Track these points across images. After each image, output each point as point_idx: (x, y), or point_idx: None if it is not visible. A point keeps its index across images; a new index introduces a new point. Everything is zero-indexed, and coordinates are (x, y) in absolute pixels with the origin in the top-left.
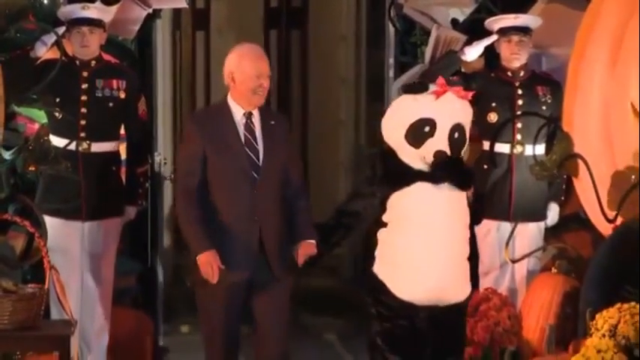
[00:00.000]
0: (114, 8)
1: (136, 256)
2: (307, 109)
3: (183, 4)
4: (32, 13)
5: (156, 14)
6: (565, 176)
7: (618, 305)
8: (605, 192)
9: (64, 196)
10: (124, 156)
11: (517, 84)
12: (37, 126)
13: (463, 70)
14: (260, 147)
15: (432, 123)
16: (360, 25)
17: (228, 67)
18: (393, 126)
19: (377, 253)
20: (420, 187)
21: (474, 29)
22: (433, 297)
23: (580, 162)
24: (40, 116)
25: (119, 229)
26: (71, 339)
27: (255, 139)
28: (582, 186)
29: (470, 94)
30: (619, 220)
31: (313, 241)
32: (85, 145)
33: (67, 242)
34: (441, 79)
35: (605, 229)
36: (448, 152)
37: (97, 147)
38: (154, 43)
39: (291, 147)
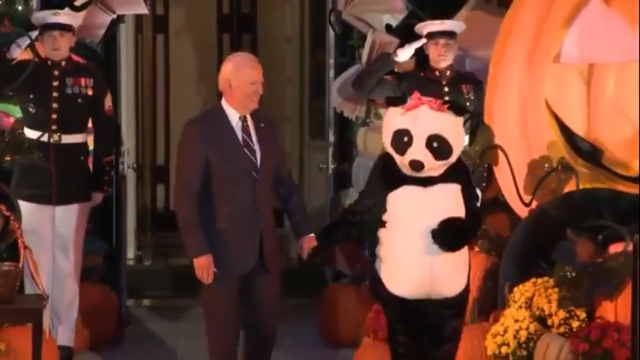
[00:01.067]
0: (82, 14)
1: (102, 236)
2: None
3: (145, 11)
4: (8, 18)
5: (120, 19)
6: (486, 165)
7: (533, 280)
8: (522, 179)
9: (37, 183)
10: (91, 147)
11: (444, 82)
12: (12, 120)
13: (396, 70)
14: (257, 147)
15: (408, 133)
16: (303, 29)
17: (225, 74)
18: (385, 135)
19: (377, 250)
20: (408, 189)
21: (405, 33)
22: (423, 292)
23: (499, 152)
24: (15, 111)
25: (87, 212)
26: (43, 312)
27: (251, 140)
28: (501, 173)
29: (444, 107)
30: (534, 204)
31: (312, 235)
32: (55, 137)
33: (39, 225)
34: (415, 94)
35: (522, 211)
36: (431, 160)
37: (67, 138)
38: (119, 46)
39: (280, 148)
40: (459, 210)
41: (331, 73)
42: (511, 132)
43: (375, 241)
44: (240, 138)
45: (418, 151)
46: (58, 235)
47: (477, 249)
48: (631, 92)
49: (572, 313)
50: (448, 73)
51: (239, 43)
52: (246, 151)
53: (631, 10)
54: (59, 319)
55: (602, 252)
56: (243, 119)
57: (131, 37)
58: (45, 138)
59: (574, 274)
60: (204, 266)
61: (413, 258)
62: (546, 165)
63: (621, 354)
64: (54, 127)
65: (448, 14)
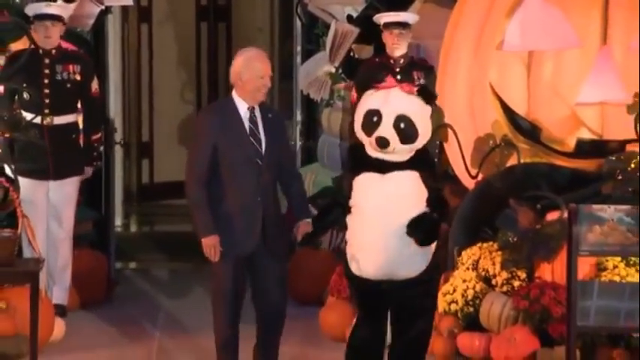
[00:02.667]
0: (72, 5)
1: (92, 206)
2: (231, 88)
3: (130, 2)
4: (6, 9)
5: (108, 10)
6: (438, 142)
7: (479, 244)
8: (469, 154)
9: (34, 160)
10: (81, 126)
11: (397, 69)
12: None
13: (356, 56)
14: (262, 137)
15: (378, 113)
16: (273, 19)
17: (236, 68)
18: (357, 118)
19: (346, 235)
20: (367, 176)
21: (364, 23)
22: (385, 273)
23: (449, 130)
24: None
25: (78, 185)
26: (40, 274)
27: (258, 130)
28: (451, 149)
29: (413, 89)
30: (480, 177)
31: (309, 220)
32: (48, 119)
33: (36, 197)
34: (390, 78)
35: (469, 183)
36: (397, 140)
37: (59, 120)
38: (107, 34)
39: (287, 137)
40: (416, 196)
41: (298, 59)
42: (459, 112)
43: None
44: (247, 127)
45: (386, 129)
46: (53, 205)
47: None
48: (567, 76)
49: (514, 274)
50: (402, 61)
51: (215, 32)
52: (252, 139)
53: (565, 2)
54: (54, 280)
55: (541, 219)
56: (252, 110)
57: (118, 26)
58: (38, 120)
59: (515, 239)
60: (211, 245)
61: (371, 242)
62: (491, 142)
63: (557, 310)
64: (46, 111)
65: (403, 6)
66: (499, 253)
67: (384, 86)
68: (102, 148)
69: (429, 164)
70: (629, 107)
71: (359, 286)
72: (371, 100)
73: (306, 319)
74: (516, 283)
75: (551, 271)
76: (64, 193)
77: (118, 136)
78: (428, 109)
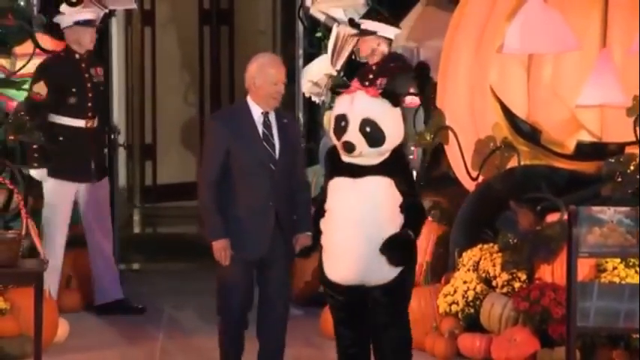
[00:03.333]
0: (101, 11)
1: None
2: (234, 91)
3: (134, 6)
4: (11, 12)
5: (111, 14)
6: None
7: (480, 246)
8: (470, 156)
9: (77, 161)
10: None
11: (373, 68)
12: (15, 103)
13: (358, 59)
14: (276, 142)
15: (345, 118)
16: (275, 23)
17: (250, 73)
18: (330, 124)
19: (321, 239)
20: (339, 180)
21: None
22: (355, 279)
23: (450, 132)
24: (18, 95)
25: None
26: (44, 275)
27: (271, 135)
28: (452, 151)
29: (377, 92)
30: (480, 179)
31: (309, 233)
32: (91, 122)
33: (65, 199)
34: (355, 82)
35: (470, 185)
36: (364, 144)
37: (97, 122)
38: (110, 37)
39: (300, 143)
40: (387, 202)
41: (300, 62)
42: (460, 114)
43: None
44: (261, 132)
45: (352, 134)
46: (92, 207)
47: (430, 218)
48: (566, 79)
49: (514, 275)
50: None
51: (218, 36)
52: (265, 144)
53: (565, 5)
54: (103, 282)
55: (541, 221)
56: (265, 115)
57: (122, 29)
58: (82, 124)
59: (516, 241)
60: (221, 249)
61: (342, 247)
62: (491, 144)
63: (557, 311)
64: (90, 114)
65: (404, 9)
66: (499, 254)
67: (349, 90)
68: (106, 150)
69: (403, 169)
70: (629, 110)
71: (332, 291)
72: (338, 104)
73: (307, 320)
74: (517, 285)
75: (551, 272)
76: (102, 193)
77: (121, 139)
78: (395, 111)
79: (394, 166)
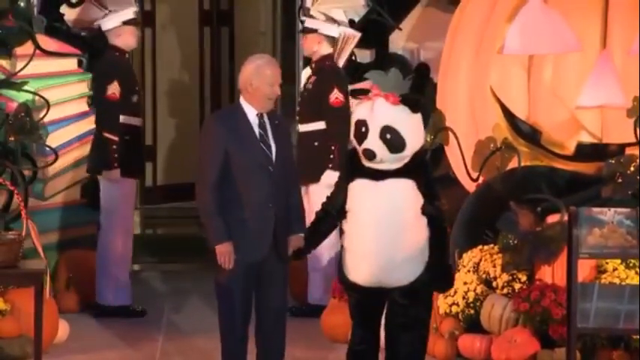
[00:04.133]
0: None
1: (96, 208)
2: (234, 92)
3: (134, 7)
4: (12, 13)
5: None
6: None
7: (480, 247)
8: (470, 157)
9: (136, 159)
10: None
11: (312, 66)
12: (15, 105)
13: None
14: (272, 143)
15: (365, 124)
16: (275, 24)
17: (246, 75)
18: (351, 126)
19: (342, 240)
20: (361, 182)
21: (367, 28)
22: (376, 280)
23: (450, 133)
24: (18, 96)
25: None
26: (44, 276)
27: (267, 136)
28: (452, 152)
29: (397, 99)
30: (481, 179)
31: (302, 235)
32: (140, 120)
33: (134, 195)
34: (375, 87)
35: (470, 186)
36: (385, 151)
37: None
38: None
39: (290, 144)
40: (410, 205)
41: (300, 63)
42: (460, 115)
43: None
44: (257, 133)
45: (372, 141)
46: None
47: None
48: (566, 80)
49: (515, 276)
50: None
51: (218, 37)
52: (262, 145)
53: (565, 6)
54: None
55: (541, 222)
56: (260, 116)
57: None
58: (139, 122)
59: (516, 242)
60: (224, 253)
61: (363, 248)
62: (491, 145)
63: (557, 312)
64: (138, 112)
65: (404, 10)
66: (500, 255)
67: (369, 97)
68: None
69: (424, 171)
70: (629, 111)
71: (351, 291)
72: (359, 109)
73: (308, 321)
74: (517, 286)
75: (552, 273)
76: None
77: None
78: (415, 117)
79: (416, 169)
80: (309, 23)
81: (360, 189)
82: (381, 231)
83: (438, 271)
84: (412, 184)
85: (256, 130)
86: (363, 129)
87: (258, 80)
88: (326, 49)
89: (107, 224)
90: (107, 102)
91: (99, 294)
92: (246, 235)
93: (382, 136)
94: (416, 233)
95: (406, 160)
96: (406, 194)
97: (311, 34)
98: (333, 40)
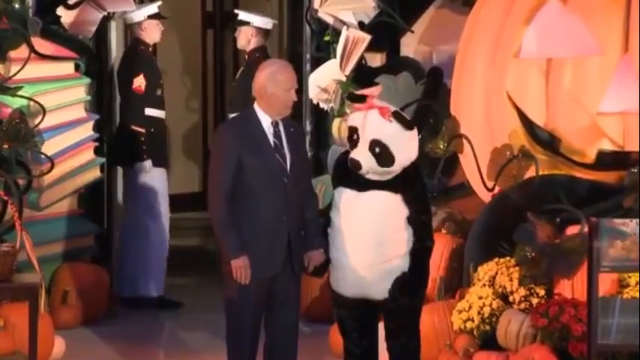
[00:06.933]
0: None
1: (94, 219)
2: (243, 100)
3: (133, 8)
4: (6, 15)
5: (110, 17)
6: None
7: (496, 259)
8: (486, 165)
9: (163, 150)
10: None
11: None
12: (9, 110)
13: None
14: (287, 152)
15: (357, 132)
16: (282, 26)
17: (261, 81)
18: (346, 130)
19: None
20: (345, 192)
21: (377, 30)
22: (358, 292)
23: (465, 140)
24: (13, 102)
25: None
26: (39, 289)
27: (282, 145)
28: (467, 161)
29: (390, 116)
30: (497, 189)
31: (322, 250)
32: (164, 112)
33: (165, 184)
34: (371, 96)
35: (486, 196)
36: (374, 164)
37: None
38: (109, 41)
39: (306, 154)
40: (391, 217)
41: (308, 67)
42: (475, 122)
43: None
44: (272, 142)
45: (361, 152)
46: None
47: (443, 230)
48: (587, 85)
49: (532, 291)
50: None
51: (222, 39)
52: (277, 155)
53: (585, 9)
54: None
55: (560, 233)
56: (275, 124)
57: (121, 33)
58: (163, 114)
59: (534, 254)
60: (241, 267)
61: (345, 259)
62: (508, 153)
63: (577, 329)
64: (162, 104)
65: (416, 12)
66: (517, 268)
67: (363, 106)
68: (105, 159)
69: (415, 185)
70: None
71: (336, 302)
72: (354, 116)
73: (316, 336)
74: (535, 300)
75: (571, 287)
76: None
77: None
78: (406, 134)
79: (404, 183)
80: (242, 16)
81: (342, 198)
82: (362, 242)
83: (407, 284)
84: (397, 198)
85: (271, 139)
86: (355, 136)
87: (272, 87)
88: (259, 41)
89: (141, 215)
90: (133, 95)
91: (140, 287)
92: (259, 250)
93: (371, 149)
94: (395, 247)
95: (395, 174)
96: (388, 207)
97: (244, 26)
98: (266, 33)
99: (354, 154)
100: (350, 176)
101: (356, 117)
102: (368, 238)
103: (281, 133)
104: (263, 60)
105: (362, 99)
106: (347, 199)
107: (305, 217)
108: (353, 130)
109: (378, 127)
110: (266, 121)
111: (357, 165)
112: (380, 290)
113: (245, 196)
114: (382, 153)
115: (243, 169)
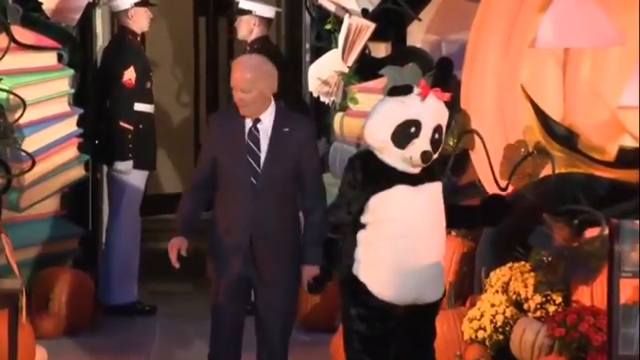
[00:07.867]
0: None
1: (78, 221)
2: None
3: None
4: None
5: (95, 3)
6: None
7: (510, 264)
8: (498, 163)
9: (149, 151)
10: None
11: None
12: None
13: (372, 54)
14: (262, 154)
15: (417, 124)
16: (280, 14)
17: None
18: (379, 127)
19: (357, 254)
20: (400, 190)
21: (382, 18)
22: (413, 297)
23: (476, 136)
24: None
25: None
26: (20, 296)
27: (258, 146)
28: (478, 158)
29: (447, 95)
30: (510, 188)
31: (313, 265)
32: (153, 107)
33: (142, 187)
34: (423, 82)
35: None
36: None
37: None
38: (94, 30)
39: (309, 155)
40: (442, 209)
41: (307, 57)
42: (487, 117)
43: (350, 244)
44: (246, 142)
45: (424, 142)
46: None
47: (453, 233)
48: (607, 76)
49: (549, 298)
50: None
51: (215, 27)
52: (247, 156)
53: None
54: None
55: (578, 236)
56: (255, 122)
57: (107, 21)
58: (151, 109)
59: (550, 259)
60: (172, 245)
61: (402, 262)
62: (522, 149)
63: (597, 338)
64: (152, 99)
65: None
66: (532, 274)
67: (423, 93)
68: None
69: (443, 173)
70: None
71: (376, 315)
72: (405, 107)
73: (317, 346)
74: (551, 308)
75: (591, 294)
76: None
77: None
78: (447, 113)
79: (437, 171)
80: (243, 4)
81: (398, 196)
82: (422, 242)
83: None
84: (440, 187)
85: (245, 136)
86: (413, 129)
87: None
88: (262, 31)
89: (114, 220)
90: (123, 89)
91: (108, 294)
92: (221, 250)
93: (432, 136)
94: (444, 243)
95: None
96: (440, 198)
97: (246, 15)
98: (269, 22)
99: (420, 147)
100: (392, 173)
101: (412, 108)
102: (435, 234)
103: (260, 133)
104: (265, 51)
105: (409, 89)
106: (404, 196)
107: (305, 223)
108: (410, 124)
109: (439, 110)
110: (248, 119)
111: (429, 156)
112: (436, 290)
113: (216, 193)
114: (439, 138)
115: (218, 166)
